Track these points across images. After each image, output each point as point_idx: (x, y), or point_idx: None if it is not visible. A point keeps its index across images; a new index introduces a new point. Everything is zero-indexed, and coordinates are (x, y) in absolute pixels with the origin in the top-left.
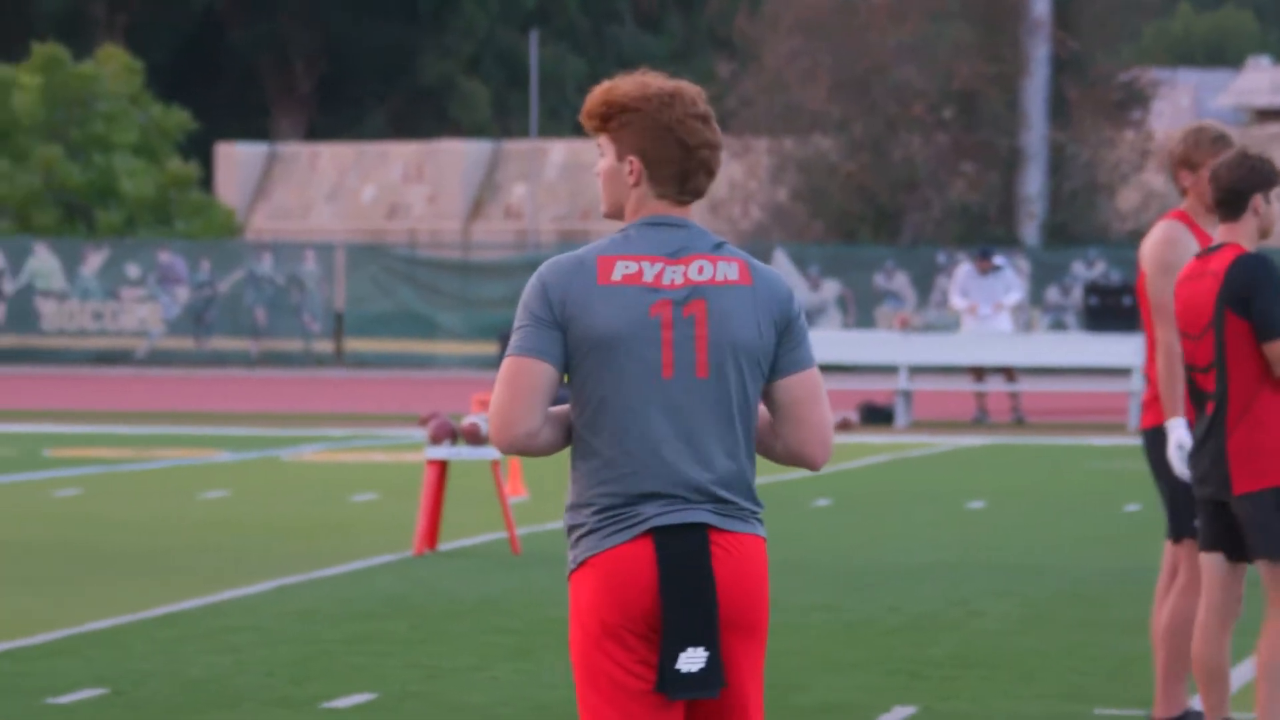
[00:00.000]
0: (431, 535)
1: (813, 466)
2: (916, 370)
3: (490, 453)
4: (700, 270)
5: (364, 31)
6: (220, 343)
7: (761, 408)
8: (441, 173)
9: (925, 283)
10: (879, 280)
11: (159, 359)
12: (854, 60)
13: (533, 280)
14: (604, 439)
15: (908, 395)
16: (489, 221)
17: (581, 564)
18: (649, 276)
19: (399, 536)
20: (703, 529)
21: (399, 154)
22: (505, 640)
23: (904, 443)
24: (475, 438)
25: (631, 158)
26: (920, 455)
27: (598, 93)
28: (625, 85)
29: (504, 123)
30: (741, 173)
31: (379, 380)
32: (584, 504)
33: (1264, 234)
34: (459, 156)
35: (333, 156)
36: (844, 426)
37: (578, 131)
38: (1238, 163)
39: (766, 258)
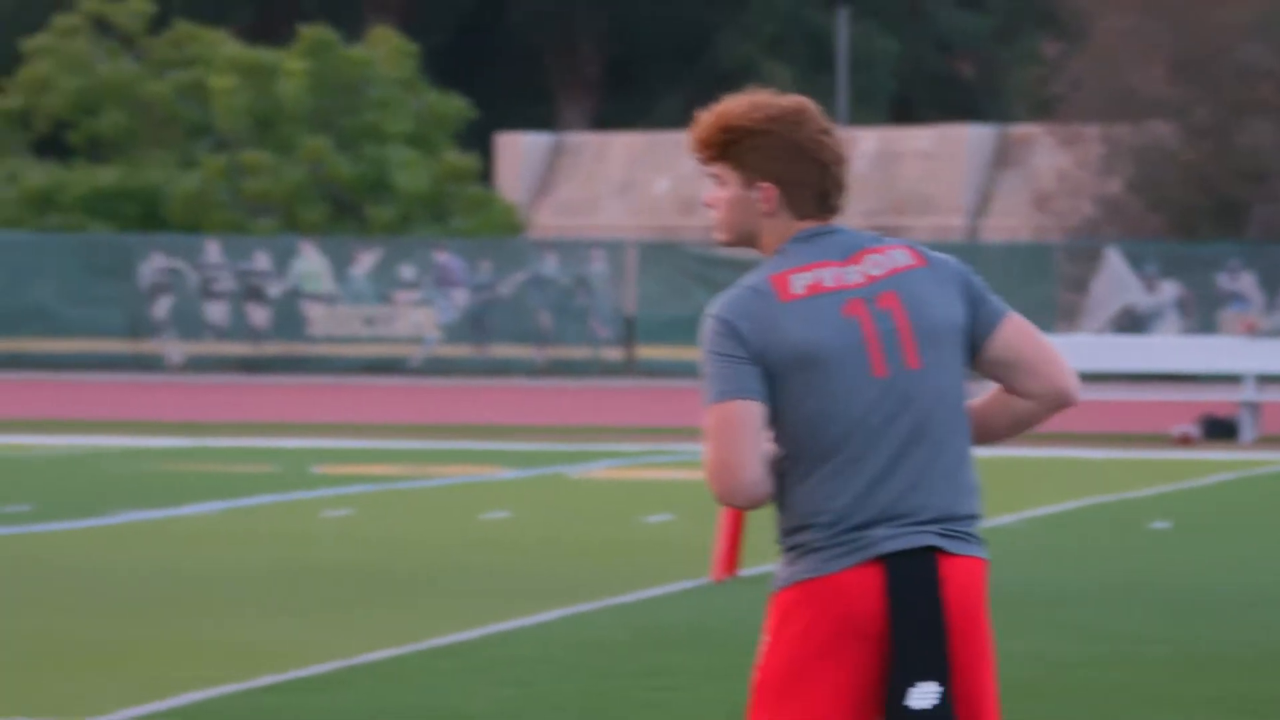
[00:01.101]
0: (732, 560)
1: (1071, 400)
2: (1265, 379)
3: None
4: (876, 264)
5: (657, 10)
6: (501, 350)
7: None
8: None
9: (1274, 283)
10: (1223, 280)
11: (435, 368)
12: (1195, 39)
13: (709, 323)
14: (824, 453)
15: (1254, 407)
16: None
17: (796, 583)
18: (829, 281)
19: (696, 561)
20: (932, 554)
21: None
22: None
23: (1250, 459)
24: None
25: (763, 184)
26: (1269, 473)
27: (711, 118)
28: (740, 107)
29: None
30: (1070, 162)
31: (673, 390)
32: (805, 524)
33: None
34: None
35: (623, 147)
36: (1184, 441)
37: (890, 118)
38: None
39: (1097, 256)
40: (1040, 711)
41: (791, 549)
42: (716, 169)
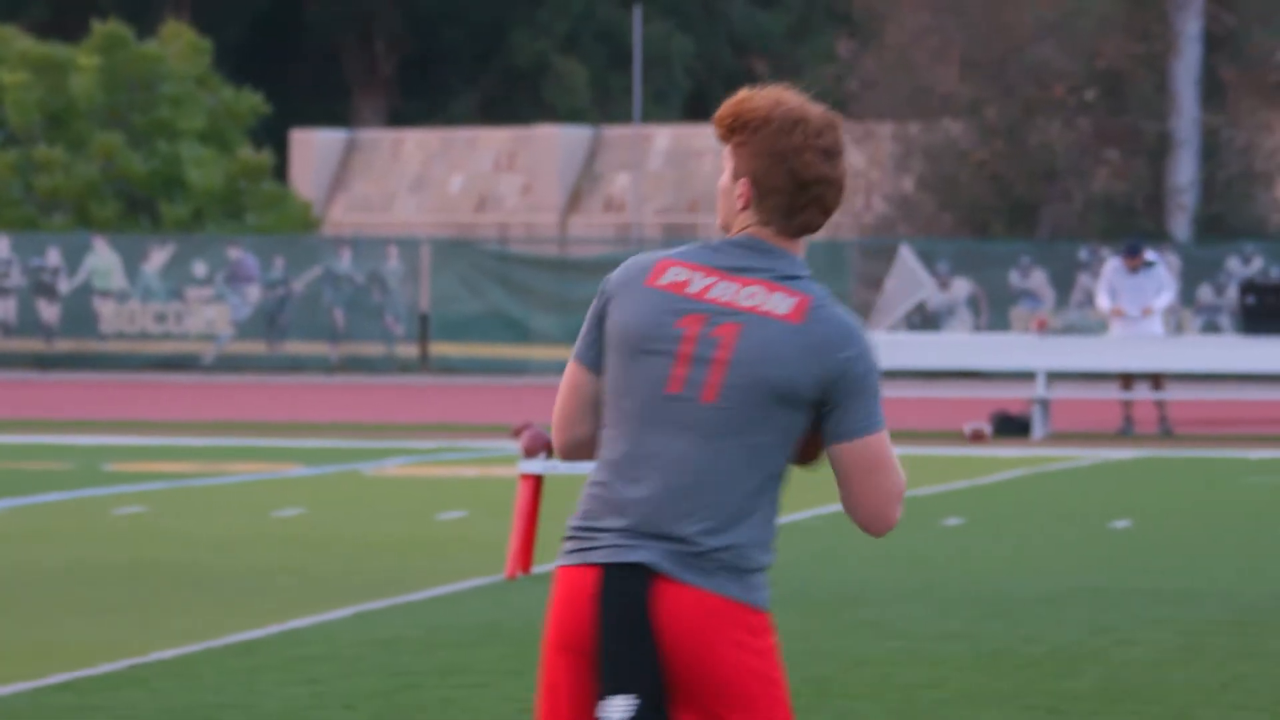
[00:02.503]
0: (526, 557)
1: (872, 534)
2: (1055, 377)
3: (587, 467)
4: (751, 296)
5: (451, 8)
6: (295, 347)
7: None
8: (536, 161)
9: (1065, 281)
10: (1014, 278)
11: (228, 365)
12: (988, 38)
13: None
14: (605, 443)
15: (1045, 404)
16: (588, 214)
17: (555, 567)
18: (694, 288)
19: (490, 558)
20: (646, 572)
21: (490, 141)
22: None
23: (1042, 456)
24: None
25: (744, 179)
26: (1060, 469)
27: (732, 101)
28: (759, 99)
29: (604, 107)
30: (864, 161)
31: (468, 388)
32: (579, 503)
33: None
34: (555, 144)
35: (418, 144)
36: (977, 438)
37: (684, 116)
38: None
39: (890, 253)
40: (834, 709)
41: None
42: (724, 151)
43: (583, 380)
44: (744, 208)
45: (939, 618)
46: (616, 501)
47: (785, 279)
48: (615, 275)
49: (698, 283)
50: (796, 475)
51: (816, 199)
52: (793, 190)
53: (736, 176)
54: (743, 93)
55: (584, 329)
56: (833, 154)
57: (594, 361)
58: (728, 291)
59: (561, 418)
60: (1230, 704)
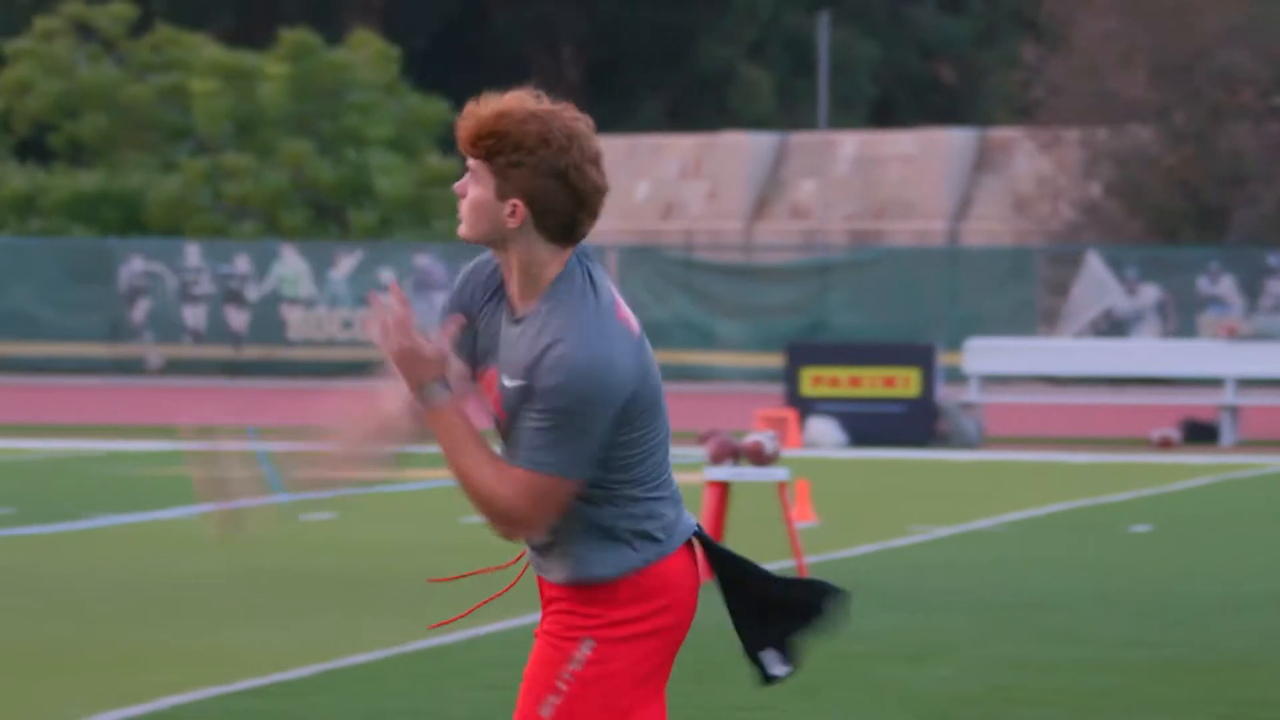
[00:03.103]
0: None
1: None
2: (1244, 383)
3: (776, 473)
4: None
5: (638, 15)
6: None
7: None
8: (721, 168)
9: (1254, 286)
10: (1202, 284)
11: None
12: (1176, 43)
13: (609, 370)
14: (665, 475)
15: (1234, 411)
16: (774, 221)
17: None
18: (635, 322)
19: None
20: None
21: (675, 148)
22: (791, 677)
23: (1230, 463)
24: (760, 457)
25: (515, 201)
26: (1248, 476)
27: (485, 116)
28: (515, 113)
29: (790, 113)
30: (1050, 167)
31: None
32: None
33: None
34: (741, 150)
35: (604, 151)
36: (1165, 445)
37: (870, 122)
38: None
39: (1077, 260)
40: (1023, 715)
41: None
42: (474, 165)
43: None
44: (517, 227)
45: (1124, 625)
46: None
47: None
48: (625, 372)
49: (632, 317)
50: (968, 486)
51: (593, 211)
52: (574, 207)
53: (504, 196)
54: (489, 106)
55: (592, 446)
56: (599, 160)
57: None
58: (632, 319)
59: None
60: None
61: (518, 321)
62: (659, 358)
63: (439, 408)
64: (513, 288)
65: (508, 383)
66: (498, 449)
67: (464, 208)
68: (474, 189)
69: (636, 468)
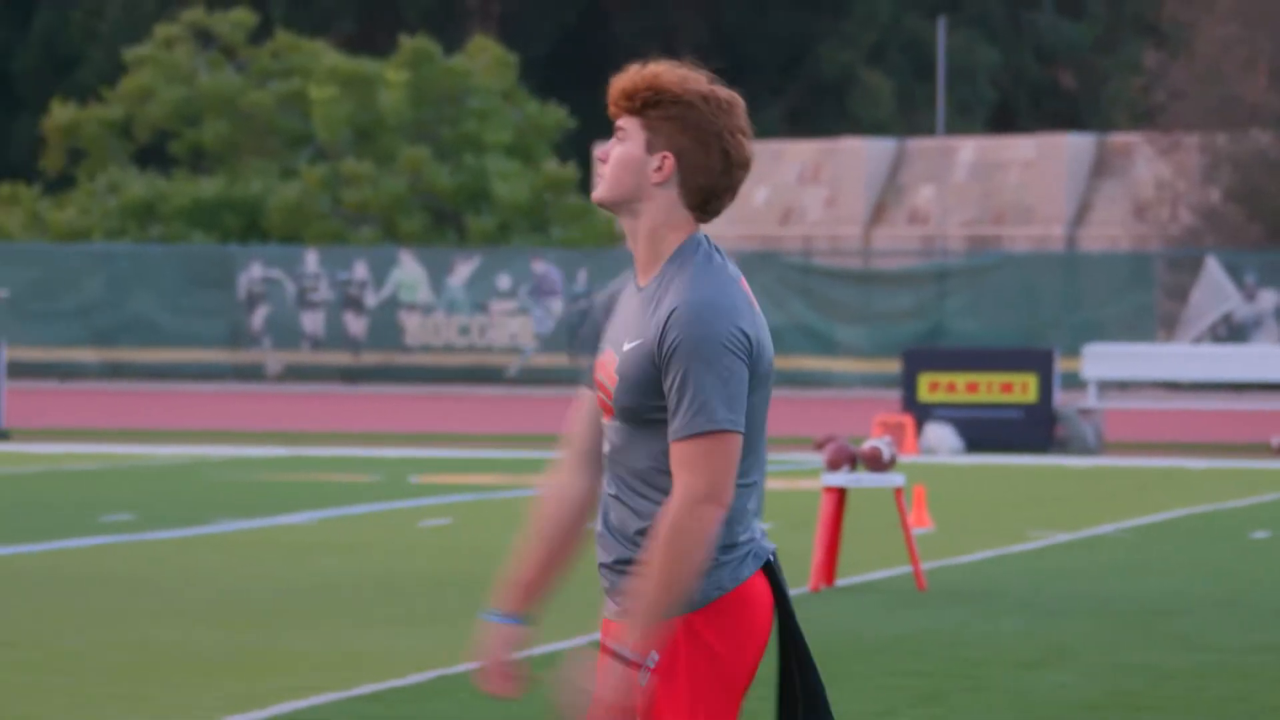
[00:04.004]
0: (829, 569)
1: None
2: None
3: (894, 479)
4: None
5: (758, 20)
6: None
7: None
8: (841, 173)
9: None
10: None
11: (532, 377)
12: None
13: (728, 313)
14: (755, 475)
15: None
16: (892, 227)
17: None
18: (755, 302)
19: (795, 570)
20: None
21: (794, 153)
22: (913, 684)
23: None
24: (877, 463)
25: (666, 154)
26: None
27: (643, 73)
28: (672, 75)
29: (909, 118)
30: (1170, 172)
31: (772, 400)
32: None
33: None
34: (860, 156)
35: None
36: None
37: (989, 128)
38: None
39: (1197, 265)
40: None
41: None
42: (624, 123)
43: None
44: (662, 183)
45: (1247, 630)
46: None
47: None
48: (746, 323)
49: (753, 297)
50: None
51: (734, 185)
52: (721, 171)
53: (653, 149)
54: (640, 68)
55: (737, 392)
56: (750, 139)
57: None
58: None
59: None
60: None
61: (640, 290)
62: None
63: (643, 649)
64: (638, 259)
65: (626, 346)
66: (609, 431)
67: (606, 169)
68: (620, 147)
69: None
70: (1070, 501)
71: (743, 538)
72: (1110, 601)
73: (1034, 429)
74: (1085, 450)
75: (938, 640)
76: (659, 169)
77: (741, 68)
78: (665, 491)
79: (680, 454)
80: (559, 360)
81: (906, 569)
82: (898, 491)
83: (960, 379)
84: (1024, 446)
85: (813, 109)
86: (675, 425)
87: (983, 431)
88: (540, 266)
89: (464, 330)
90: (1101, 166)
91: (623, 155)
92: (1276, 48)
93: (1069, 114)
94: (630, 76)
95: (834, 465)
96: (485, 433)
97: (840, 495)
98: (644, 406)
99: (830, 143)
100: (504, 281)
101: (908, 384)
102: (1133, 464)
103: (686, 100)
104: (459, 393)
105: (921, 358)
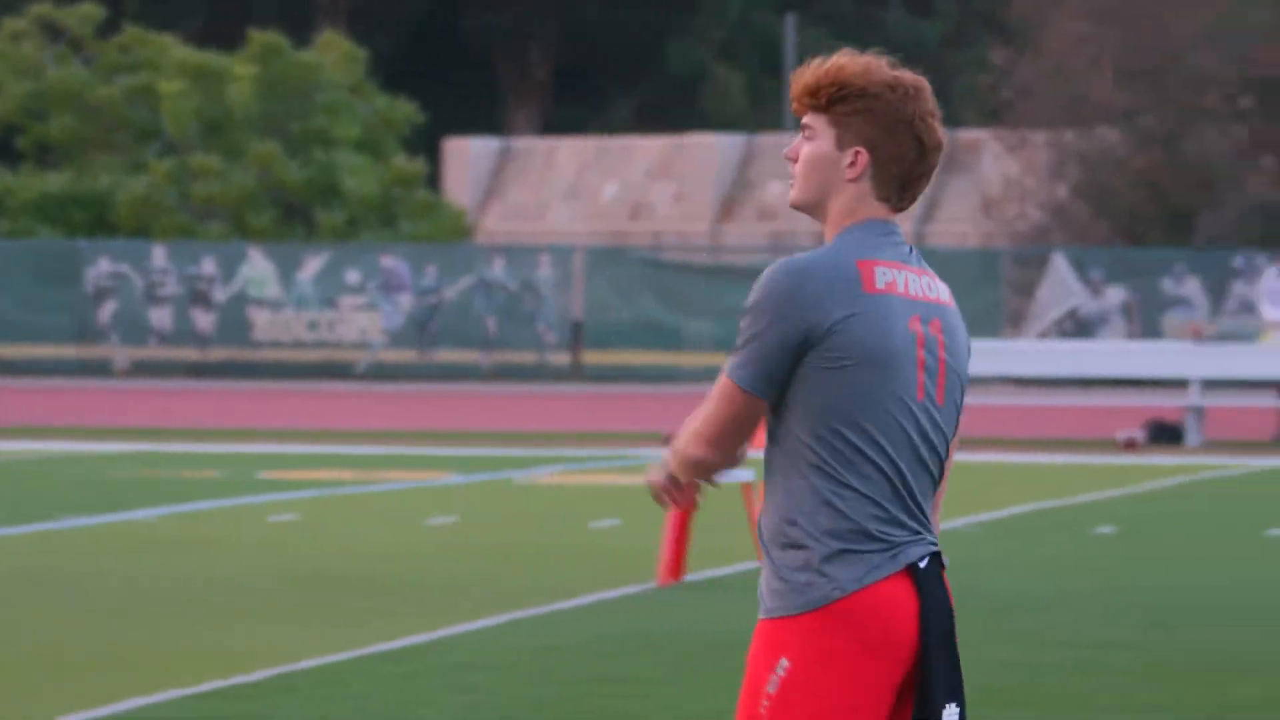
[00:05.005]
0: (677, 565)
1: None
2: (1210, 384)
3: (740, 474)
4: (931, 286)
5: (607, 16)
6: (447, 355)
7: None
8: (690, 169)
9: (1220, 288)
10: (1168, 286)
11: (380, 373)
12: (1145, 46)
13: (780, 277)
14: (858, 462)
15: (1200, 412)
16: (741, 222)
17: (834, 601)
18: (901, 287)
19: (642, 566)
20: (940, 564)
21: (644, 149)
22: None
23: (1196, 464)
24: None
25: (858, 149)
26: (1214, 478)
27: (825, 67)
28: (857, 65)
29: (759, 114)
30: (1018, 168)
31: (620, 396)
32: (829, 534)
33: None
34: (709, 151)
35: (572, 152)
36: (1130, 446)
37: None
38: None
39: (1044, 261)
40: (1008, 718)
41: (818, 558)
42: (811, 120)
43: (756, 411)
44: (855, 179)
45: (1095, 627)
46: (898, 509)
47: (921, 260)
48: (814, 293)
49: (901, 281)
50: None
51: (929, 170)
52: (915, 158)
53: (844, 145)
54: (823, 61)
55: (766, 357)
56: (939, 119)
57: (775, 395)
58: (918, 285)
59: (729, 442)
60: None
61: None
62: (624, 359)
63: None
64: None
65: None
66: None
67: (796, 172)
68: (809, 146)
69: (837, 440)
70: None
71: (881, 529)
72: (956, 597)
73: None
74: None
75: None
76: (852, 164)
77: (591, 63)
78: (784, 484)
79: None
80: (408, 356)
81: (754, 564)
82: (745, 486)
83: None
84: None
85: (664, 105)
86: None
87: None
88: (389, 261)
89: (313, 326)
90: (950, 163)
91: (813, 154)
92: (1124, 45)
93: None
94: (813, 72)
95: None
96: (334, 428)
97: None
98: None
99: (679, 138)
100: (353, 277)
101: None
102: (980, 459)
103: (873, 92)
104: (308, 388)
105: None
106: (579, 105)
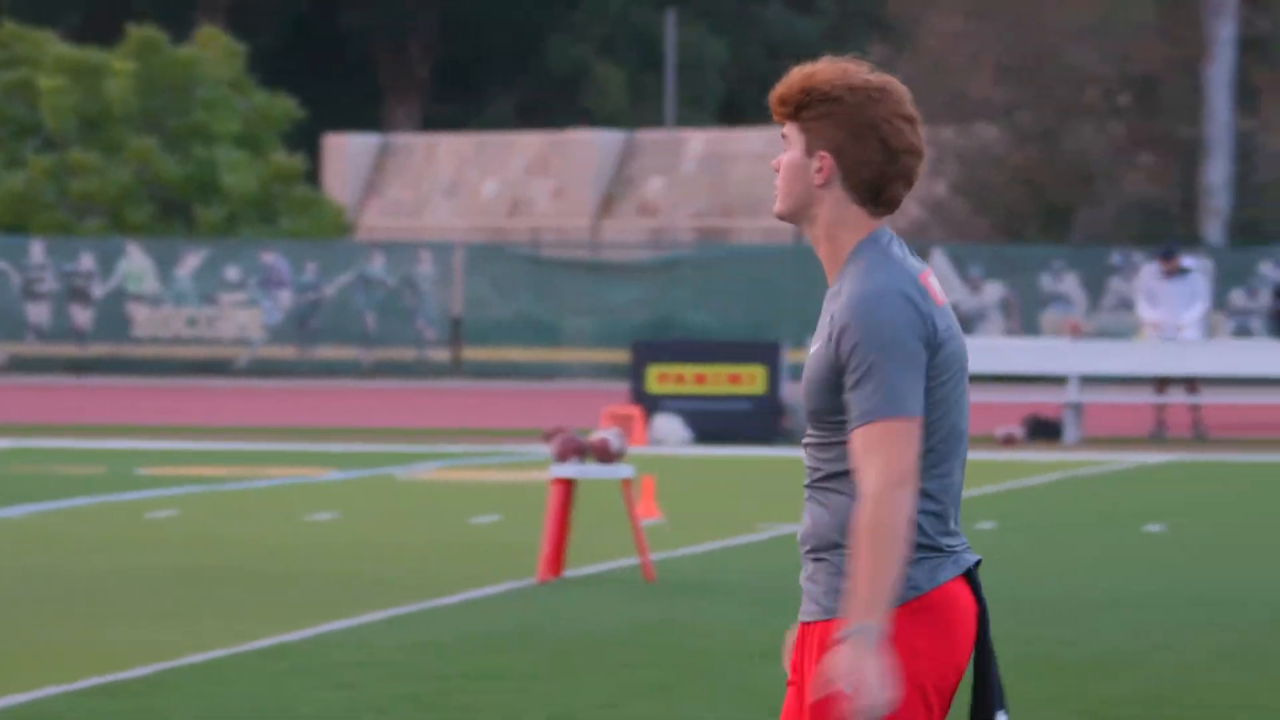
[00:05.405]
0: (557, 561)
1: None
2: (1088, 380)
3: (620, 471)
4: (940, 289)
5: (487, 12)
6: (327, 351)
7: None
8: (569, 166)
9: (1097, 285)
10: (1046, 282)
11: (260, 369)
12: (1022, 42)
13: (894, 300)
14: (934, 469)
15: (1078, 408)
16: (621, 219)
17: (913, 599)
18: (942, 295)
19: (522, 562)
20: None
21: (523, 145)
22: (641, 676)
23: (1074, 460)
24: (605, 454)
25: (822, 154)
26: (1092, 474)
27: (796, 77)
28: (827, 72)
29: (638, 111)
30: None
31: (500, 392)
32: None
33: None
34: (589, 148)
35: (451, 148)
36: (1009, 442)
37: (718, 120)
38: None
39: (923, 258)
40: None
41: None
42: (787, 129)
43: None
44: (823, 184)
45: None
46: (954, 515)
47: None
48: (926, 312)
49: (939, 290)
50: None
51: (904, 171)
52: (883, 161)
53: (811, 152)
54: (803, 68)
55: (918, 377)
56: (915, 122)
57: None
58: (939, 291)
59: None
60: (1273, 708)
61: (829, 294)
62: (504, 355)
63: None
64: (824, 264)
65: (812, 349)
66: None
67: (777, 182)
68: (785, 155)
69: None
70: (798, 493)
71: (944, 541)
72: None
73: (762, 420)
74: None
75: (666, 631)
76: (819, 170)
77: (471, 59)
78: (851, 489)
79: (864, 440)
80: (287, 352)
81: (635, 560)
82: (625, 483)
83: (689, 370)
84: (752, 438)
85: (544, 101)
86: (856, 412)
87: (711, 423)
88: (269, 258)
89: (192, 322)
90: None
91: (788, 163)
92: (1001, 42)
93: None
94: (786, 80)
95: (562, 456)
96: (213, 425)
97: (568, 486)
98: (827, 408)
99: (558, 134)
100: (232, 273)
101: (636, 375)
102: None
103: (834, 95)
104: (187, 384)
105: (650, 349)
106: (458, 101)
